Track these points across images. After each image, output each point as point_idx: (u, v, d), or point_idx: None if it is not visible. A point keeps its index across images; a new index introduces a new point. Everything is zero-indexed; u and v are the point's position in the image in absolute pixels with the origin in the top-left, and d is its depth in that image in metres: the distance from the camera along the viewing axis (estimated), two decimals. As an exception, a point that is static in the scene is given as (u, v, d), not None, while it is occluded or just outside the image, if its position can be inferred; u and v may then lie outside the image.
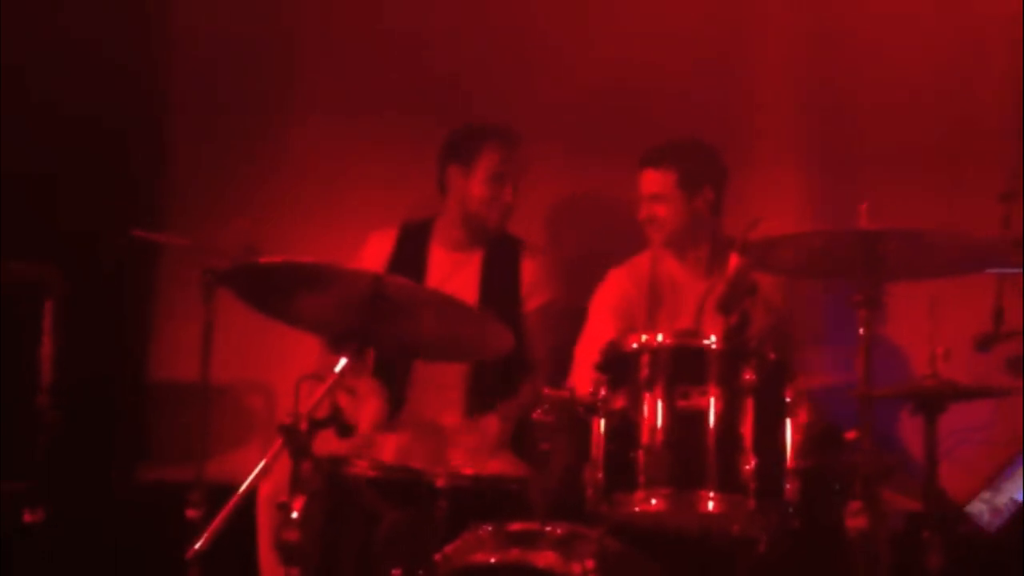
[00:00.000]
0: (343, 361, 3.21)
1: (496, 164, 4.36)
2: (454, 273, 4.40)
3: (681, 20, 4.85)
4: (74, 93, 4.74)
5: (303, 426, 3.06)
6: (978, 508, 4.07)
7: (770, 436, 3.31)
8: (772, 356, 3.35)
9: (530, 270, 4.44)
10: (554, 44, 4.96)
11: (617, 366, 3.42)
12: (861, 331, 3.28)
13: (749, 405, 3.29)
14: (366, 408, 4.15)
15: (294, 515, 3.01)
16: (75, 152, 4.75)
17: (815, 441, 3.49)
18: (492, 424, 4.19)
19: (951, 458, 4.18)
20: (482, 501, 3.56)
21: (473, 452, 4.03)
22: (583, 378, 3.70)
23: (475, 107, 4.88)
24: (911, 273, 3.54)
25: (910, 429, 3.78)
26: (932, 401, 3.53)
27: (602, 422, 3.36)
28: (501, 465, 3.94)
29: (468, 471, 3.64)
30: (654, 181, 4.28)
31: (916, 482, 3.65)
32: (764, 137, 4.82)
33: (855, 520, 3.19)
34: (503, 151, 4.37)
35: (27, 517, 4.10)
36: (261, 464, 3.10)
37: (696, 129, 4.55)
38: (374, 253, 4.47)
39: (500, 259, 4.43)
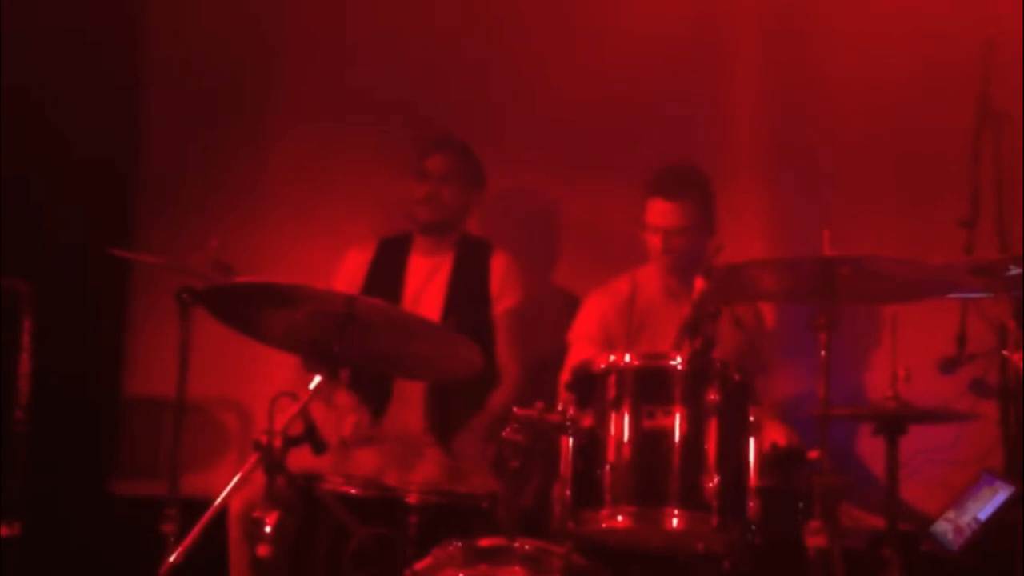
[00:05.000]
0: (317, 379, 3.27)
1: (424, 165, 4.49)
2: (429, 278, 4.48)
3: (654, 44, 4.93)
4: (49, 109, 4.75)
5: (277, 443, 3.12)
6: (942, 527, 4.10)
7: (733, 455, 3.36)
8: (736, 377, 3.40)
9: (499, 268, 4.50)
10: (532, 62, 5.04)
11: (586, 386, 3.47)
12: (822, 353, 3.35)
13: (713, 424, 3.35)
14: (346, 421, 4.18)
15: (267, 530, 3.06)
16: (51, 170, 4.76)
17: (778, 460, 3.54)
18: (466, 443, 4.23)
19: (916, 477, 4.26)
20: (452, 517, 3.61)
21: (450, 472, 4.07)
22: None
23: (454, 120, 4.95)
24: (870, 298, 3.60)
25: (875, 448, 3.84)
26: (892, 423, 3.59)
27: (570, 440, 3.41)
28: (472, 481, 3.98)
29: (439, 487, 3.69)
30: (675, 215, 4.20)
31: (879, 500, 3.71)
32: (732, 159, 4.88)
33: (815, 538, 3.25)
34: (431, 155, 4.51)
35: (3, 531, 4.13)
36: (235, 479, 3.16)
37: (667, 151, 4.62)
38: (352, 268, 4.54)
39: (469, 260, 4.51)
